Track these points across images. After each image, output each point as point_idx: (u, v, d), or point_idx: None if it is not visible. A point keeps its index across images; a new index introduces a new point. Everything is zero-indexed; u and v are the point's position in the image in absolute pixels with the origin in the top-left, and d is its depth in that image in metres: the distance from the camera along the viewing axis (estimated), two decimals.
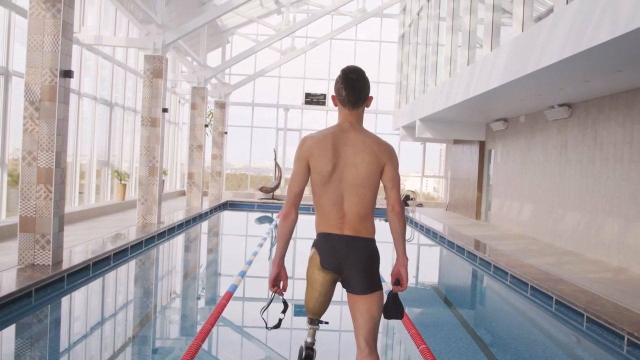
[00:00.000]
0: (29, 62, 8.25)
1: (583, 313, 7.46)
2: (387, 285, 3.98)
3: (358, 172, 3.46)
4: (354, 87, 3.51)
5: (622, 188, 11.09)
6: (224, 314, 7.08)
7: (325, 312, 3.63)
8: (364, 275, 3.48)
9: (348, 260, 3.47)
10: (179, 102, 26.71)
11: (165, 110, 14.04)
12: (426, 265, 13.51)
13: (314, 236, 3.60)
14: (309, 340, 3.59)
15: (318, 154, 3.47)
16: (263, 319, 3.73)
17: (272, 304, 3.75)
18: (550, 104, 13.73)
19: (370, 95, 3.58)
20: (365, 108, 3.60)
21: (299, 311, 7.30)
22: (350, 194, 3.47)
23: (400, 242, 3.57)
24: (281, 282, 3.59)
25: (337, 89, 3.55)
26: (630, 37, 6.91)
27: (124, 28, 18.39)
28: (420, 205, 25.69)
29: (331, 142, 3.48)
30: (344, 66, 3.62)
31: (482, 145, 20.17)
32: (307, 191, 3.60)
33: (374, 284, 3.51)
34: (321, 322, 3.62)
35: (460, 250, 13.25)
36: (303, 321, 3.74)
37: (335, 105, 3.62)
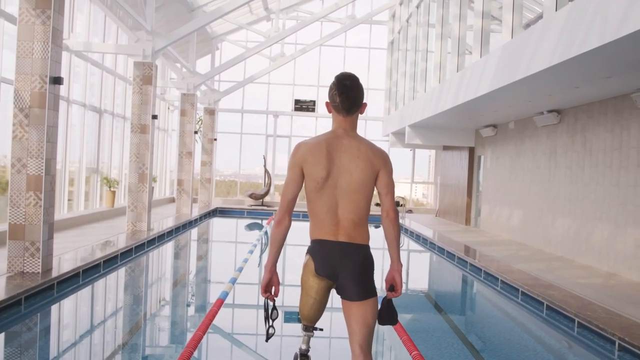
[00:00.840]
0: (19, 69, 8.21)
1: (574, 318, 7.47)
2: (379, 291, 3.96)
3: (352, 178, 3.46)
4: (348, 94, 3.51)
5: (611, 194, 11.15)
6: (215, 320, 7.05)
7: (320, 319, 3.62)
8: (359, 282, 3.47)
9: (343, 266, 3.47)
10: (168, 108, 26.65)
11: (155, 117, 14.00)
12: (417, 271, 13.51)
13: (304, 243, 3.59)
14: (304, 347, 3.58)
15: (312, 160, 3.46)
16: (268, 329, 3.68)
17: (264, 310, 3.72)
18: (539, 110, 13.79)
19: (364, 101, 3.59)
20: (359, 114, 3.61)
21: (289, 318, 7.28)
22: (345, 200, 3.47)
23: (394, 248, 3.57)
24: (273, 288, 3.59)
25: (331, 96, 3.55)
26: (619, 44, 6.95)
27: (113, 35, 18.34)
28: (410, 211, 25.73)
29: (325, 148, 3.48)
30: (337, 73, 3.63)
31: (471, 151, 20.23)
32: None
33: (369, 290, 3.50)
34: (316, 328, 3.61)
35: (451, 256, 13.26)
36: (294, 328, 3.73)
37: (329, 111, 3.61)
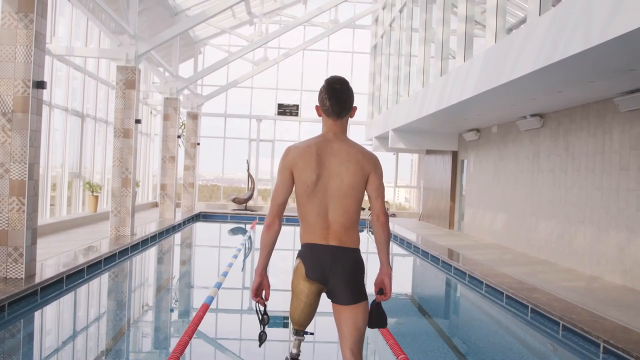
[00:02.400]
0: (1, 73, 8.14)
1: (559, 321, 7.52)
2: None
3: (343, 182, 3.46)
4: (337, 98, 3.51)
5: (594, 197, 11.23)
6: (201, 326, 7.02)
7: (310, 323, 3.62)
8: (350, 286, 3.47)
9: (333, 270, 3.47)
10: (151, 113, 26.52)
11: (138, 121, 13.92)
12: (401, 275, 13.52)
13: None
14: (294, 351, 3.57)
15: (302, 164, 3.46)
16: (261, 334, 3.65)
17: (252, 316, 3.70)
18: (522, 114, 13.88)
19: (354, 105, 3.59)
20: (350, 118, 3.61)
21: (274, 322, 7.26)
22: (335, 204, 3.47)
23: (384, 251, 3.58)
24: (263, 292, 3.58)
25: (321, 99, 3.55)
26: (603, 48, 7.01)
27: (96, 39, 18.23)
28: (393, 215, 25.78)
29: (315, 152, 3.48)
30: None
31: (454, 155, 20.31)
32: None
33: (359, 294, 3.50)
34: (306, 332, 3.61)
35: (435, 260, 13.30)
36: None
37: (319, 115, 3.61)
